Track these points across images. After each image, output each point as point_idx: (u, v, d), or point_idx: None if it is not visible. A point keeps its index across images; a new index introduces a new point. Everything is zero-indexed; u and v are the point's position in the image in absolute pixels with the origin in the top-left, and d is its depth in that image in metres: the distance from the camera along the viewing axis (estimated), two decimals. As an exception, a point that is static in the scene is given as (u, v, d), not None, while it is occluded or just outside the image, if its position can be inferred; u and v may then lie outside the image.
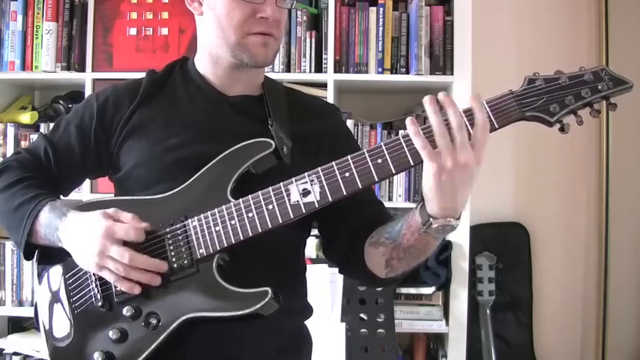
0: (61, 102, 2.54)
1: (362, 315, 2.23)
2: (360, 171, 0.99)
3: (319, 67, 2.38)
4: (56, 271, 1.16)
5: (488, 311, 2.34)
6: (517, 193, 2.71)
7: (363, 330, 2.22)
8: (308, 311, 1.27)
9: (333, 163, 1.00)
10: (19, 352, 2.39)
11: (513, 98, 0.97)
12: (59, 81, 2.52)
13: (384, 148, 0.98)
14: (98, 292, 1.09)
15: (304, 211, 1.01)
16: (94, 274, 1.09)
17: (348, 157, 1.00)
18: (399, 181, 2.37)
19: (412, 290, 2.36)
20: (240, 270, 1.05)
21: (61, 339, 1.13)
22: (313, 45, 2.37)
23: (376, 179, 0.99)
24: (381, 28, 2.37)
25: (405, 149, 0.97)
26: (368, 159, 0.99)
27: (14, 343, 2.40)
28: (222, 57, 1.18)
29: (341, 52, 2.38)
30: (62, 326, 1.13)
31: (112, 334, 1.05)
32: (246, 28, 1.12)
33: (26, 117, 2.50)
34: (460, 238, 2.33)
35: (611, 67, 1.00)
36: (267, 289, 1.00)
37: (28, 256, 1.15)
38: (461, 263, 2.33)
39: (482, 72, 2.43)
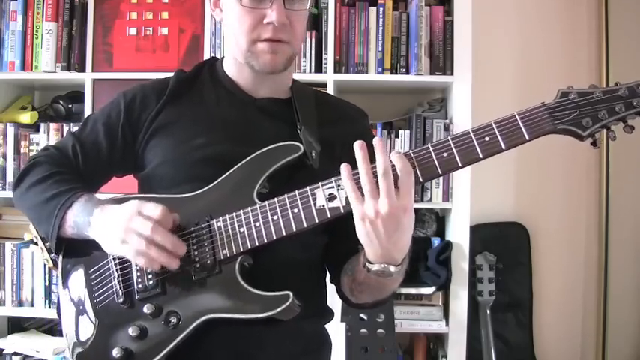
0: (61, 102, 2.54)
1: (362, 315, 2.23)
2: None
3: (319, 67, 2.38)
4: (79, 272, 1.16)
5: (488, 311, 2.34)
6: (517, 193, 2.71)
7: (363, 330, 2.22)
8: (328, 314, 1.26)
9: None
10: (19, 352, 2.39)
11: (546, 110, 0.97)
12: (59, 81, 2.52)
13: (412, 155, 0.98)
14: (120, 287, 1.09)
15: (329, 216, 1.00)
16: (116, 270, 1.09)
17: (375, 164, 0.99)
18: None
19: (412, 290, 2.36)
20: (264, 272, 1.06)
21: (85, 341, 1.12)
22: (313, 45, 2.37)
23: None
24: (381, 28, 2.37)
25: (435, 158, 0.97)
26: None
27: (14, 343, 2.40)
28: (241, 62, 1.19)
29: (341, 52, 2.38)
30: (86, 326, 1.13)
31: (131, 330, 1.05)
32: (255, 35, 1.12)
33: (26, 117, 2.50)
34: (460, 238, 2.33)
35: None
36: (289, 293, 1.00)
37: (60, 250, 1.15)
38: (461, 263, 2.33)
39: (482, 72, 2.43)
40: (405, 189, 0.93)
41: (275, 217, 1.03)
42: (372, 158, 0.96)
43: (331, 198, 1.00)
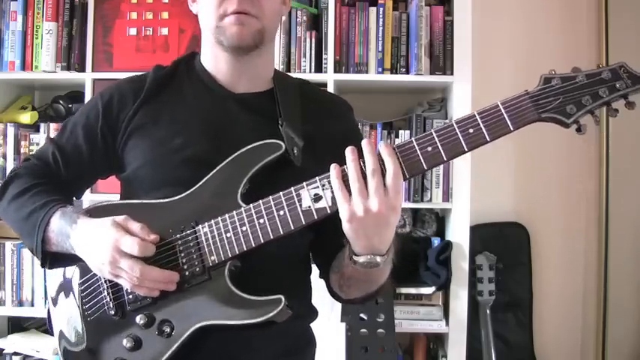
0: (61, 102, 2.54)
1: (362, 315, 2.23)
2: None
3: (319, 67, 2.38)
4: (68, 283, 1.15)
5: (488, 311, 2.34)
6: (517, 193, 2.71)
7: (363, 330, 2.22)
8: (313, 314, 1.26)
9: (345, 167, 0.98)
10: (19, 352, 2.39)
11: (529, 99, 0.95)
12: (59, 81, 2.52)
13: (397, 151, 0.97)
14: (110, 300, 1.08)
15: (316, 217, 0.99)
16: (105, 282, 1.08)
17: (359, 160, 0.98)
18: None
19: (412, 290, 2.36)
20: (250, 275, 1.05)
21: (74, 343, 1.12)
22: (313, 45, 2.37)
23: None
24: (381, 28, 2.37)
25: (419, 153, 0.96)
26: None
27: (14, 343, 2.40)
28: (216, 50, 1.16)
29: (341, 52, 2.38)
30: (75, 332, 1.13)
31: (125, 342, 1.05)
32: (222, 10, 1.10)
33: (26, 117, 2.50)
34: (460, 238, 2.33)
35: (610, 63, 0.99)
36: (281, 297, 1.00)
37: (45, 264, 1.14)
38: (461, 263, 2.33)
39: (482, 72, 2.43)
40: (394, 188, 0.93)
41: (261, 221, 1.01)
42: (359, 153, 0.96)
43: (317, 198, 0.99)
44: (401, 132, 2.39)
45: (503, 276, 2.42)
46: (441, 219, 2.54)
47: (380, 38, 2.37)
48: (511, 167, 2.71)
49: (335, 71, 2.36)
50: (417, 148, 0.96)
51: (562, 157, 2.65)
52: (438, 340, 2.51)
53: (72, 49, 2.45)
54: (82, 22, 2.46)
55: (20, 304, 2.44)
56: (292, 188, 1.00)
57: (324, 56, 2.37)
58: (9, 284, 2.44)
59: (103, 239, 1.02)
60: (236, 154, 1.07)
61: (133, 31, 2.45)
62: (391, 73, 2.37)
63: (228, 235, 1.03)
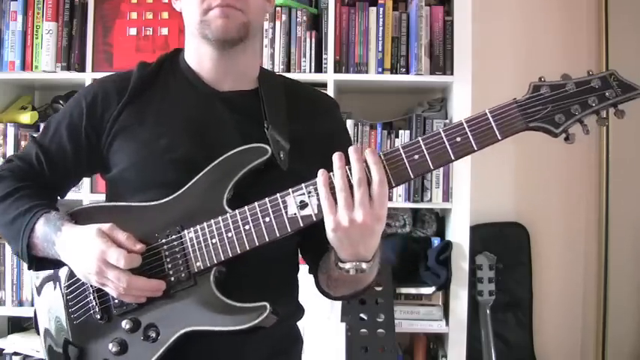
0: (61, 102, 2.54)
1: (362, 315, 2.23)
2: None
3: (319, 67, 2.38)
4: (56, 283, 1.15)
5: (488, 311, 2.34)
6: (517, 193, 2.71)
7: (363, 330, 2.22)
8: (300, 312, 1.25)
9: (331, 174, 0.96)
10: (19, 352, 2.39)
11: (517, 107, 0.93)
12: (59, 81, 2.52)
13: (382, 158, 0.96)
14: (96, 304, 1.08)
15: (302, 225, 0.98)
16: (91, 286, 1.08)
17: (346, 167, 0.96)
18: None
19: (412, 290, 2.36)
20: (236, 277, 1.05)
21: (60, 344, 1.12)
22: (313, 45, 2.37)
23: None
24: (381, 28, 2.37)
25: (406, 161, 0.95)
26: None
27: (14, 343, 2.40)
28: (200, 45, 1.15)
29: (341, 52, 2.38)
30: (63, 337, 1.12)
31: (111, 346, 1.05)
32: (206, 5, 1.09)
33: (26, 117, 2.50)
34: (460, 238, 2.33)
35: (611, 66, 0.98)
36: (266, 303, 0.99)
37: (32, 267, 1.13)
38: (461, 263, 2.33)
39: (482, 72, 2.43)
40: (379, 200, 0.92)
41: (247, 227, 1.01)
42: (347, 158, 0.95)
43: (303, 206, 0.98)
44: (401, 132, 2.39)
45: (503, 276, 2.42)
46: (441, 219, 2.54)
47: (380, 38, 2.37)
48: (511, 167, 2.71)
49: (335, 71, 2.36)
50: (403, 156, 0.95)
51: (562, 157, 2.65)
52: (438, 340, 2.51)
53: (72, 49, 2.45)
54: (82, 22, 2.46)
55: (20, 304, 2.44)
56: (278, 195, 0.99)
57: (324, 56, 2.37)
58: (9, 284, 2.44)
59: (88, 249, 1.01)
60: (222, 157, 1.06)
61: (133, 31, 2.45)
62: (391, 73, 2.37)
63: (214, 241, 1.02)
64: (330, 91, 2.34)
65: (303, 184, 0.98)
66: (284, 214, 0.99)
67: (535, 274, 2.65)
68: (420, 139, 0.95)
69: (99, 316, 1.07)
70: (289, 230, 0.99)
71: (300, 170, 1.01)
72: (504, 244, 2.60)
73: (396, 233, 2.47)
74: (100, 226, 1.03)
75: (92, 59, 2.45)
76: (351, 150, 0.94)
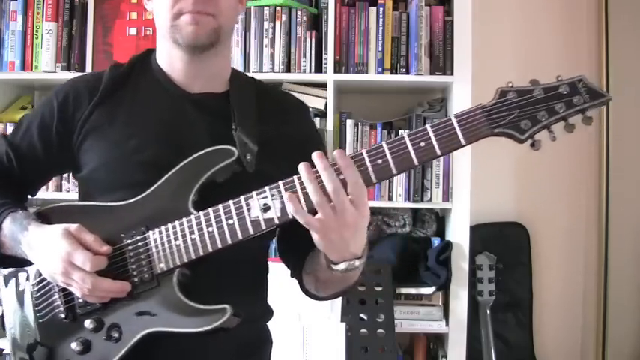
0: (61, 102, 2.54)
1: (362, 315, 2.23)
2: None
3: (319, 67, 2.38)
4: (23, 278, 1.15)
5: (488, 311, 2.34)
6: (517, 193, 2.71)
7: (363, 330, 2.22)
8: (269, 313, 1.25)
9: (295, 177, 0.96)
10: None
11: (483, 113, 0.92)
12: (59, 81, 2.47)
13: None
14: (62, 303, 1.08)
15: (264, 228, 0.98)
16: (57, 285, 1.08)
17: (315, 179, 0.96)
18: (399, 180, 2.37)
19: (412, 290, 2.36)
20: (202, 281, 1.04)
21: (27, 348, 1.12)
22: (313, 45, 2.37)
23: None
24: (381, 28, 2.37)
25: (369, 165, 0.94)
26: None
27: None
28: (170, 48, 1.15)
29: (341, 52, 2.38)
30: (28, 335, 1.13)
31: (75, 345, 1.05)
32: (177, 10, 1.08)
33: (26, 117, 2.50)
34: (460, 238, 2.33)
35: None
36: (226, 306, 0.99)
37: (1, 264, 1.14)
38: (461, 263, 2.33)
39: (482, 72, 2.43)
40: (359, 200, 0.92)
41: (210, 229, 1.01)
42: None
43: (265, 209, 0.98)
44: (401, 132, 2.39)
45: (503, 276, 2.42)
46: (441, 219, 2.54)
47: (380, 38, 2.37)
48: (511, 167, 2.71)
49: (335, 71, 2.36)
50: (367, 160, 0.94)
51: (562, 157, 2.65)
52: (438, 340, 2.51)
53: (72, 49, 2.46)
54: (82, 22, 2.46)
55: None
56: (242, 197, 0.99)
57: (324, 56, 2.37)
58: (9, 284, 2.44)
59: (55, 250, 1.01)
60: (189, 159, 1.06)
61: (133, 31, 2.45)
62: (391, 73, 2.38)
63: (178, 242, 1.02)
64: (330, 91, 2.35)
65: (266, 187, 0.98)
66: (247, 217, 0.99)
67: (535, 274, 2.65)
68: (383, 143, 0.95)
69: (63, 315, 1.08)
70: (251, 233, 0.99)
71: (269, 172, 1.01)
72: (504, 244, 2.60)
73: (396, 233, 2.47)
74: (67, 226, 1.03)
75: (92, 59, 2.45)
76: (315, 158, 0.93)
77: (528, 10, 2.70)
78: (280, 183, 0.97)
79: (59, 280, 1.03)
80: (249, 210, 0.99)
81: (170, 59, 1.17)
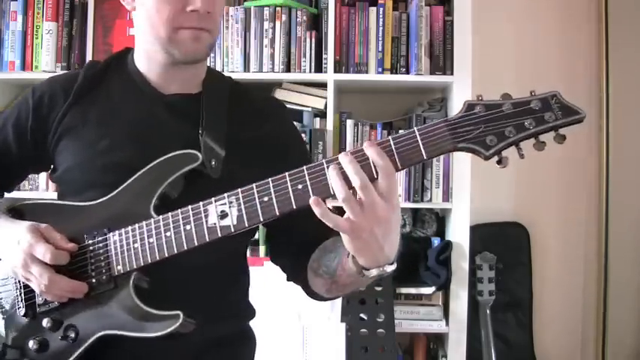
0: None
1: (362, 315, 2.23)
2: (279, 196, 0.92)
3: (319, 67, 2.38)
4: None
5: (488, 311, 2.34)
6: (517, 193, 2.71)
7: (363, 330, 2.22)
8: (249, 312, 1.23)
9: (254, 185, 0.94)
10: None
11: (447, 127, 0.88)
12: None
13: (305, 172, 0.91)
14: (21, 300, 1.09)
15: (220, 235, 0.96)
16: (18, 282, 1.09)
17: (269, 179, 0.93)
18: (399, 180, 2.37)
19: (412, 290, 2.36)
20: (163, 281, 1.03)
21: None
22: (313, 45, 2.37)
23: (294, 207, 0.92)
24: (381, 28, 2.37)
25: (328, 178, 0.89)
26: (288, 183, 0.92)
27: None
28: (155, 54, 1.12)
29: (341, 52, 2.38)
30: None
31: (32, 344, 1.05)
32: (177, 23, 1.06)
33: (26, 117, 2.50)
34: (460, 238, 2.33)
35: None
36: (179, 313, 0.99)
37: None
38: (461, 263, 2.33)
39: (482, 72, 2.43)
40: (389, 191, 0.87)
41: (168, 234, 0.99)
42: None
43: (223, 215, 0.96)
44: (401, 132, 2.38)
45: (503, 276, 2.42)
46: (441, 219, 2.54)
47: (380, 38, 2.37)
48: (511, 167, 2.68)
49: (335, 71, 2.36)
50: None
51: (562, 157, 2.65)
52: (438, 340, 2.51)
53: (72, 49, 2.46)
54: (82, 22, 2.46)
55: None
56: (201, 203, 0.98)
57: (324, 56, 2.37)
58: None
59: (18, 242, 1.02)
60: (154, 162, 1.06)
61: (133, 31, 2.45)
62: (391, 73, 2.37)
63: (136, 245, 1.02)
64: (330, 91, 2.35)
65: (225, 194, 0.96)
66: (204, 223, 0.97)
67: (535, 274, 2.65)
68: (345, 153, 0.89)
69: (23, 312, 1.08)
70: (207, 239, 0.97)
71: (237, 178, 0.98)
72: (504, 244, 2.60)
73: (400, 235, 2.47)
74: (36, 223, 1.04)
75: (92, 59, 2.45)
76: (341, 156, 0.89)
77: (528, 9, 2.69)
78: (239, 190, 0.95)
79: (19, 273, 1.03)
80: (206, 216, 0.97)
81: (148, 62, 1.15)
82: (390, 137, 0.90)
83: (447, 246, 2.34)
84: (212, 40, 1.11)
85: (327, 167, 0.89)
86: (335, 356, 2.10)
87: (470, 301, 2.34)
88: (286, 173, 0.92)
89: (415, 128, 0.89)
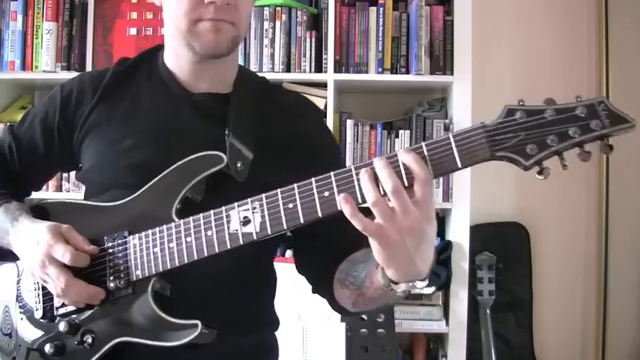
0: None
1: (362, 315, 2.23)
2: (304, 203, 0.87)
3: (319, 67, 2.38)
4: (10, 273, 1.14)
5: (488, 311, 2.34)
6: (517, 193, 2.71)
7: (363, 330, 2.22)
8: (273, 323, 1.19)
9: (279, 190, 0.89)
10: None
11: (485, 133, 0.81)
12: (59, 81, 2.46)
13: (333, 178, 0.85)
14: (39, 302, 1.06)
15: (241, 242, 0.91)
16: (37, 284, 1.07)
17: (295, 184, 0.88)
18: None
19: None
20: (184, 289, 1.00)
21: (10, 350, 1.11)
22: (313, 45, 2.37)
23: (320, 215, 0.86)
24: (381, 28, 2.37)
25: (356, 184, 0.83)
26: (314, 189, 0.86)
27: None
28: (180, 49, 1.10)
29: (341, 52, 2.38)
30: (7, 326, 1.12)
31: (48, 348, 1.03)
32: (196, 15, 1.03)
33: (26, 117, 2.50)
34: (460, 238, 2.33)
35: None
36: (198, 322, 0.94)
37: None
38: (461, 263, 2.33)
39: (482, 72, 2.43)
40: (424, 199, 0.80)
41: (188, 239, 0.95)
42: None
43: (245, 222, 0.91)
44: (401, 132, 2.39)
45: (503, 276, 2.42)
46: (441, 219, 2.54)
47: (380, 38, 2.37)
48: (511, 167, 2.69)
49: (335, 71, 2.36)
50: (354, 177, 0.84)
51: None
52: (438, 340, 2.51)
53: (72, 49, 2.46)
54: (82, 22, 2.46)
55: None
56: (224, 208, 0.93)
57: (324, 56, 2.37)
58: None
59: (37, 243, 1.00)
60: (178, 163, 1.02)
61: (133, 31, 2.45)
62: (391, 73, 2.37)
63: (155, 250, 0.98)
64: (330, 91, 2.35)
65: (249, 199, 0.91)
66: (226, 229, 0.92)
67: (535, 274, 2.64)
68: (380, 157, 0.84)
69: (40, 315, 1.06)
70: (229, 247, 0.93)
71: (266, 181, 0.93)
72: (504, 244, 2.59)
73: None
74: (57, 224, 1.01)
75: (92, 59, 2.45)
76: (375, 161, 0.83)
77: (528, 10, 2.69)
78: (263, 195, 0.90)
79: (37, 274, 1.01)
80: (229, 222, 0.92)
81: (177, 59, 1.13)
82: (422, 143, 0.83)
83: (447, 246, 2.34)
84: (235, 33, 1.06)
85: (357, 173, 0.83)
86: (335, 356, 2.10)
87: (470, 301, 2.34)
88: (313, 179, 0.87)
89: (450, 134, 0.82)
